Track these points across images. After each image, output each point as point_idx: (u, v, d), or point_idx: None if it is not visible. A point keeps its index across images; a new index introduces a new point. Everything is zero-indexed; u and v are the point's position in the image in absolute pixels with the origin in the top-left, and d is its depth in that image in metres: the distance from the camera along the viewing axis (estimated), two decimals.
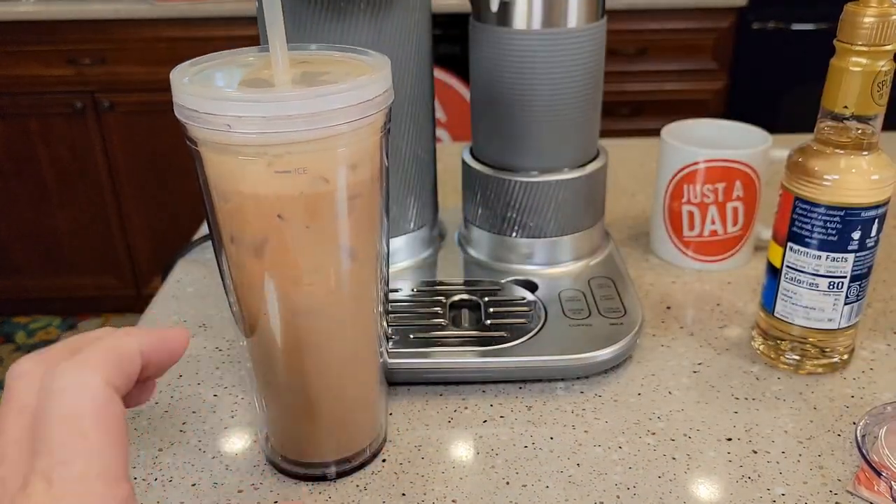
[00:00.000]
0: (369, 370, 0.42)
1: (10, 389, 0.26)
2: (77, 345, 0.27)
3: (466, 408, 0.48)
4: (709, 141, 0.64)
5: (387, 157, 0.38)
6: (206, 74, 0.36)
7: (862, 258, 0.47)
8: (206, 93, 0.33)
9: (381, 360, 0.43)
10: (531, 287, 0.56)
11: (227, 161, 0.34)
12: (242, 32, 1.80)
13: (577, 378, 0.51)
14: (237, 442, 0.46)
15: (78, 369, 0.25)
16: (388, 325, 0.43)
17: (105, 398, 0.25)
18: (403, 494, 0.42)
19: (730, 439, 0.45)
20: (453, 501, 0.41)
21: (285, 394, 0.41)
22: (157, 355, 0.28)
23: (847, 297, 0.48)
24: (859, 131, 0.45)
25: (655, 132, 0.68)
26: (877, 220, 0.46)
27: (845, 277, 0.47)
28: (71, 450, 0.24)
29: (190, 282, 0.64)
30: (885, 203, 0.46)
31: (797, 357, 0.51)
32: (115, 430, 0.25)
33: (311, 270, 0.37)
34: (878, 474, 0.40)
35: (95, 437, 0.24)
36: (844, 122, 0.45)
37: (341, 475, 0.43)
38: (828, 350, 0.50)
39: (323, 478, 0.43)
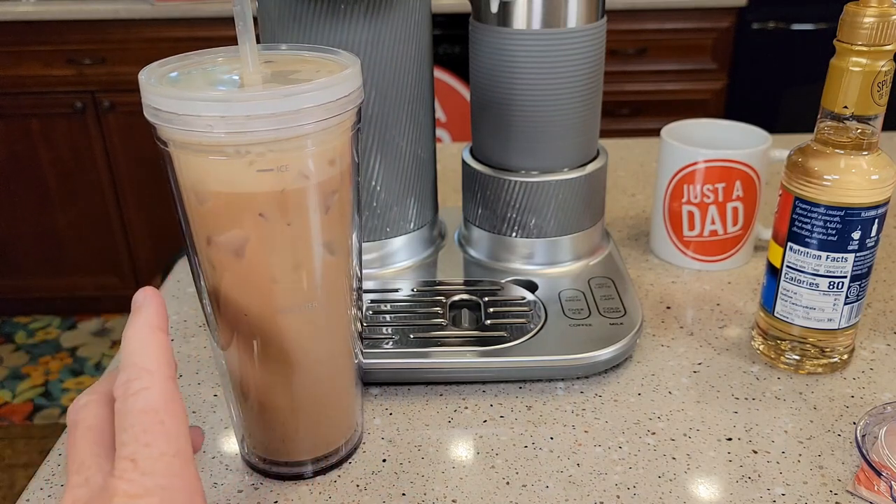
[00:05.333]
0: (345, 368, 0.42)
1: (78, 417, 0.31)
2: (117, 370, 0.30)
3: (466, 408, 0.48)
4: (709, 141, 0.64)
5: (356, 153, 0.39)
6: (176, 75, 0.36)
7: (862, 258, 0.47)
8: (185, 94, 0.33)
9: (357, 361, 0.43)
10: (531, 287, 0.56)
11: (205, 162, 0.34)
12: None
13: (577, 378, 0.51)
14: (237, 442, 0.46)
15: (145, 376, 0.29)
16: (362, 324, 0.43)
17: (172, 392, 0.29)
18: (403, 494, 0.42)
19: (730, 439, 0.45)
20: (453, 501, 0.41)
21: (262, 394, 0.40)
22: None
23: (847, 297, 0.48)
24: (859, 131, 0.45)
25: (655, 132, 0.68)
26: (877, 220, 0.46)
27: (845, 277, 0.47)
28: (152, 435, 0.28)
29: (190, 282, 0.64)
30: (885, 203, 0.46)
31: (797, 357, 0.51)
32: (184, 418, 0.29)
33: (292, 267, 0.37)
34: (878, 474, 0.40)
35: (171, 424, 0.29)
36: (844, 122, 0.45)
37: (318, 473, 0.43)
38: (828, 350, 0.50)
39: (300, 476, 0.43)
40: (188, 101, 0.32)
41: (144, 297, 0.32)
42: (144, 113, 0.34)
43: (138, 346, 0.30)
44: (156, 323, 0.31)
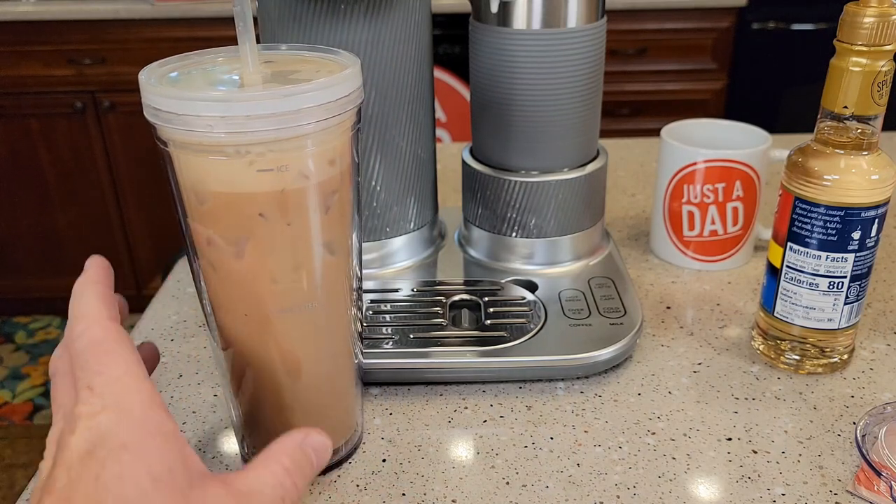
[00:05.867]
0: (345, 368, 0.42)
1: (54, 368, 0.34)
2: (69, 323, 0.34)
3: (466, 408, 0.48)
4: (709, 141, 0.64)
5: (356, 153, 0.39)
6: (176, 75, 0.36)
7: (862, 258, 0.47)
8: (185, 94, 0.33)
9: (357, 361, 0.43)
10: (531, 287, 0.56)
11: (205, 162, 0.34)
12: None
13: (577, 378, 0.51)
14: (237, 442, 0.46)
15: (83, 320, 0.33)
16: (362, 324, 0.43)
17: (112, 326, 0.33)
18: (403, 494, 0.42)
19: (730, 439, 0.45)
20: (453, 501, 0.41)
21: (262, 394, 0.40)
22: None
23: (847, 297, 0.48)
24: (859, 131, 0.45)
25: (655, 132, 0.68)
26: (877, 220, 0.46)
27: (845, 277, 0.47)
28: (101, 363, 0.31)
29: (190, 282, 0.64)
30: (885, 203, 0.46)
31: (797, 357, 0.51)
32: (128, 345, 0.32)
33: (293, 268, 0.37)
34: (878, 474, 0.40)
35: (117, 350, 0.32)
36: (844, 122, 0.45)
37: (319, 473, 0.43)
38: (828, 350, 0.50)
39: None
40: (188, 101, 0.32)
41: (88, 262, 0.36)
42: (144, 113, 0.34)
43: (77, 299, 0.34)
44: (94, 279, 0.35)
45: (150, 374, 0.39)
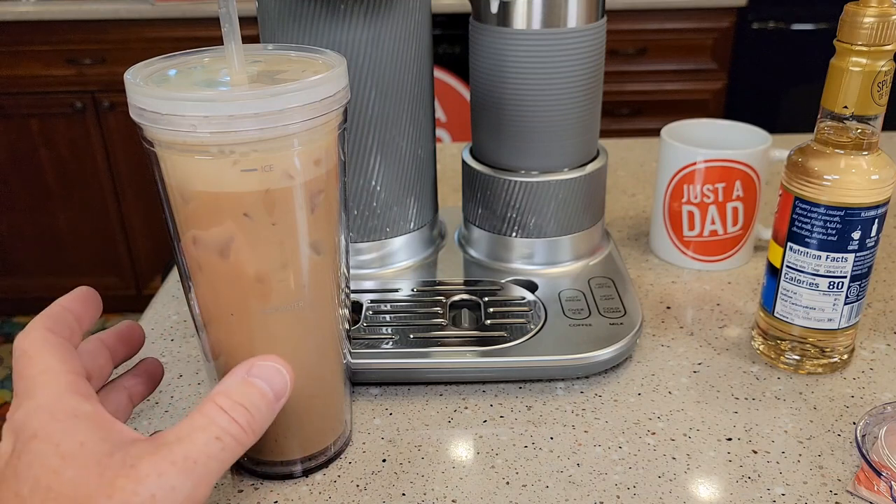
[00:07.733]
0: (333, 368, 0.42)
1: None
2: None
3: (466, 408, 0.48)
4: (709, 141, 0.64)
5: (343, 153, 0.39)
6: (162, 75, 0.36)
7: (862, 258, 0.47)
8: (169, 94, 0.33)
9: (345, 361, 0.43)
10: (531, 287, 0.56)
11: (190, 162, 0.34)
12: (243, 32, 1.80)
13: (577, 378, 0.51)
14: None
15: (20, 336, 0.35)
16: (350, 324, 0.43)
17: (38, 335, 0.34)
18: (403, 494, 0.42)
19: (730, 439, 0.45)
20: (453, 501, 0.41)
21: None
22: (81, 308, 0.37)
23: (847, 297, 0.48)
24: (859, 131, 0.45)
25: (655, 132, 0.68)
26: (877, 220, 0.46)
27: (845, 277, 0.47)
28: (22, 367, 0.33)
29: None
30: (885, 203, 0.46)
31: (797, 357, 0.51)
32: (51, 347, 0.34)
33: (278, 267, 0.37)
34: (878, 474, 0.40)
35: (37, 354, 0.33)
36: (844, 122, 0.45)
37: (308, 472, 0.43)
38: (828, 350, 0.50)
39: (290, 476, 0.43)
40: (172, 100, 0.32)
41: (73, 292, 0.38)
42: (130, 113, 0.34)
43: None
44: (60, 301, 0.37)
45: (152, 390, 0.43)
